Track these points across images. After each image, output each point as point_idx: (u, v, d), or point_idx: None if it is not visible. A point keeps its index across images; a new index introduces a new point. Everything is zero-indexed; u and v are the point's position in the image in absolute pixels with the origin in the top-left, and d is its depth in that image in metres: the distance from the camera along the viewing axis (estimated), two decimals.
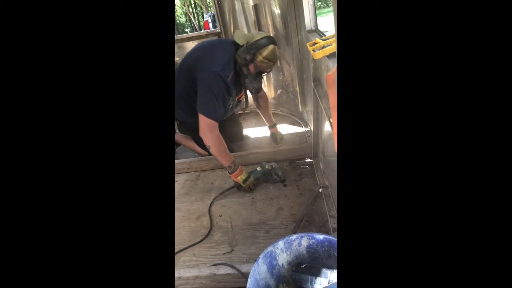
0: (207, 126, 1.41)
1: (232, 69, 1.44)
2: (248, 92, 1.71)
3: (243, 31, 1.72)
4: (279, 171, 1.50)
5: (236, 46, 1.48)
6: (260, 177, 1.53)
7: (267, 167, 1.51)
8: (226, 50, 1.46)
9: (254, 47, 1.40)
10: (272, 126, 1.91)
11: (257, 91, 1.67)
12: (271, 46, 1.40)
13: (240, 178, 1.45)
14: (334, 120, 0.79)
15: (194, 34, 2.32)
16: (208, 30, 2.38)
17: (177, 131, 1.89)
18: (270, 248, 0.84)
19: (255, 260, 0.81)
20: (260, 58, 1.40)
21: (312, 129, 1.56)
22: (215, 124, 1.42)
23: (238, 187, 1.49)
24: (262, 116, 1.91)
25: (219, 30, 2.20)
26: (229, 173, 1.47)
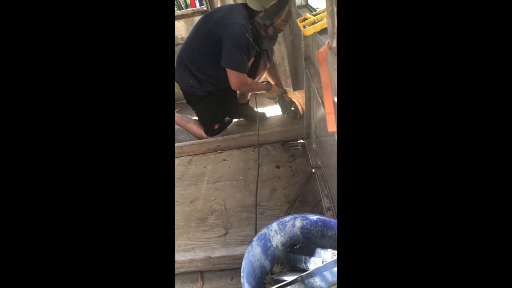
0: (239, 82, 1.55)
1: (249, 26, 1.52)
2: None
3: None
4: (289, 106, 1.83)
5: (248, 8, 1.53)
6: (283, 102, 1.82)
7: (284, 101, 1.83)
8: (241, 12, 1.54)
9: (273, 13, 1.47)
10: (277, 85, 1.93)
11: (271, 51, 1.82)
12: (287, 7, 1.49)
13: (278, 91, 1.76)
14: (326, 99, 0.77)
15: (180, 12, 2.21)
16: (194, 8, 2.27)
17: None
18: (264, 230, 0.84)
19: (250, 242, 0.81)
20: (279, 21, 1.50)
21: (304, 109, 1.54)
22: (244, 76, 1.56)
23: (280, 100, 1.79)
24: (270, 75, 1.96)
25: (205, 8, 2.10)
26: (266, 91, 1.76)
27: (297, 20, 1.18)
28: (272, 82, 1.90)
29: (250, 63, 1.66)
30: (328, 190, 1.20)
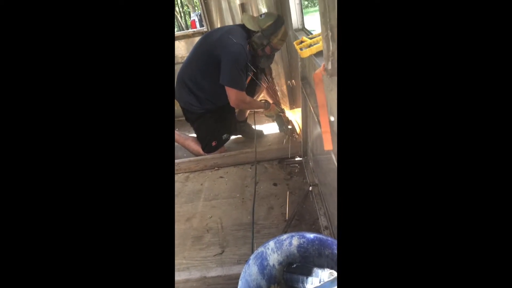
0: (238, 99, 1.60)
1: (247, 46, 1.58)
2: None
3: (249, 14, 1.80)
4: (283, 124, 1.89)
5: (246, 29, 1.60)
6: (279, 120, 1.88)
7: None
8: (239, 32, 1.60)
9: (270, 32, 1.55)
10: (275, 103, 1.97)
11: (269, 70, 1.93)
12: (283, 28, 1.57)
13: (276, 110, 1.83)
14: (322, 118, 0.79)
15: (181, 33, 2.29)
16: (195, 29, 2.35)
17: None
18: (260, 249, 0.83)
19: (246, 261, 0.80)
20: (275, 40, 1.58)
21: (301, 127, 1.57)
22: (243, 93, 1.61)
23: (277, 118, 1.85)
24: (268, 94, 2.01)
25: (206, 29, 2.17)
26: (264, 109, 1.81)
27: (294, 43, 1.23)
28: (270, 101, 1.94)
29: (247, 80, 1.70)
30: (325, 208, 1.20)
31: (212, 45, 1.58)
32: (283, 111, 1.90)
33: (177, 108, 1.76)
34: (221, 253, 1.15)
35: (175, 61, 2.22)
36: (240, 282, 0.75)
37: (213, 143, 1.77)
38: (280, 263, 0.87)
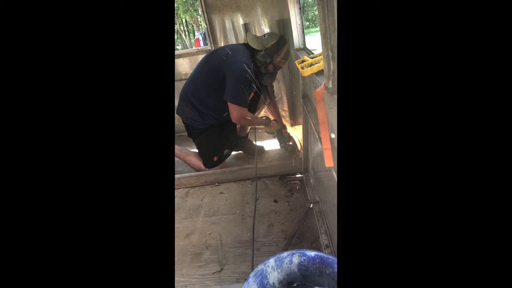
0: (240, 115, 1.63)
1: (251, 64, 1.63)
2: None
3: (253, 34, 1.86)
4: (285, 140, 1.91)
5: (249, 48, 1.67)
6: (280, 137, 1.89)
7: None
8: (243, 51, 1.66)
9: (273, 51, 1.62)
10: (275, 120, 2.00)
11: (271, 87, 1.96)
12: (285, 47, 1.64)
13: (277, 126, 1.85)
14: (323, 135, 0.80)
15: (184, 51, 2.35)
16: (199, 48, 2.42)
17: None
18: (260, 266, 0.82)
19: (246, 280, 0.78)
20: (278, 59, 1.64)
21: (302, 144, 1.57)
22: (245, 110, 1.64)
23: (278, 135, 1.86)
24: (270, 111, 2.05)
25: (210, 48, 2.23)
26: (265, 126, 1.83)
27: (295, 62, 1.26)
28: (271, 117, 1.97)
29: (250, 97, 1.73)
30: (326, 226, 1.19)
31: (217, 63, 1.62)
32: (284, 128, 1.92)
33: (179, 123, 1.79)
34: (220, 271, 1.12)
35: (179, 78, 2.27)
36: None
37: (215, 158, 1.78)
38: (280, 282, 0.85)
